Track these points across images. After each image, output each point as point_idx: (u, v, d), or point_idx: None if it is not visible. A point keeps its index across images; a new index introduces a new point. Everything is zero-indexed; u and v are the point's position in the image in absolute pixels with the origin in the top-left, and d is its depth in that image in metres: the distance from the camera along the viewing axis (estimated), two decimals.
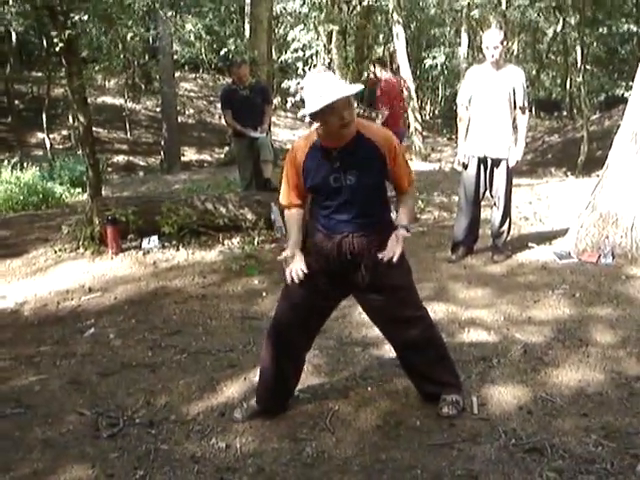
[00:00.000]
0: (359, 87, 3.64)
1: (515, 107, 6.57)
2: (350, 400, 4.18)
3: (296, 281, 3.61)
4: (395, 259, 3.60)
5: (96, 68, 16.36)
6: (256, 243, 7.44)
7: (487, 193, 6.86)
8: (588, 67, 27.25)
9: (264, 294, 6.23)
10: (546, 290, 5.97)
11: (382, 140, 3.64)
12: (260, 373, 4.03)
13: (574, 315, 5.43)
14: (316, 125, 3.58)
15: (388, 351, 4.77)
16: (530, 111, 6.32)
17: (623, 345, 4.83)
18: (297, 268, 3.62)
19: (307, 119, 3.66)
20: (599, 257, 6.62)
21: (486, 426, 3.84)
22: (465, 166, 6.75)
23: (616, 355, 4.68)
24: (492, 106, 6.51)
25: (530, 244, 7.34)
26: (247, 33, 18.02)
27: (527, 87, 6.65)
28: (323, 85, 3.46)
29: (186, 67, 30.29)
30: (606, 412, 3.94)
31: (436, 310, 5.53)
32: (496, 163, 6.62)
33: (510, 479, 3.33)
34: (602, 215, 6.79)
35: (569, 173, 15.40)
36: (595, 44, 29.52)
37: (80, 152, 12.23)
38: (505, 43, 6.46)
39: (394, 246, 3.63)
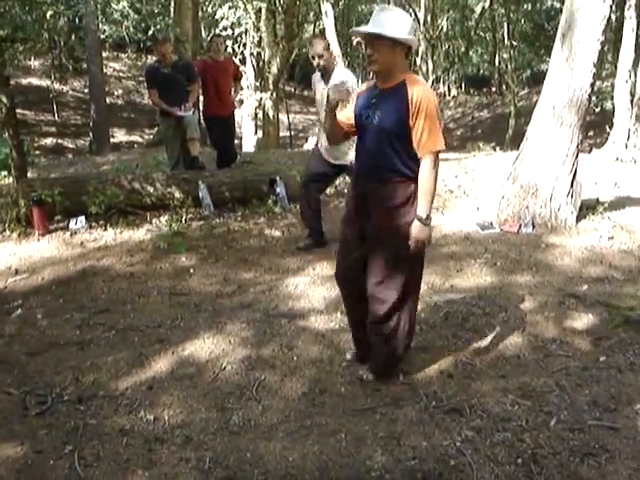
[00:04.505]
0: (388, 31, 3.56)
1: None
2: (276, 370, 4.26)
3: None
4: (412, 250, 3.75)
5: (20, 48, 15.94)
6: (184, 221, 7.41)
7: None
8: (515, 43, 27.78)
9: (191, 271, 6.24)
10: (469, 260, 6.13)
11: (415, 91, 3.56)
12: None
13: (495, 283, 5.60)
14: None
15: (313, 322, 4.89)
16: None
17: (541, 310, 5.02)
18: None
19: None
20: (520, 227, 6.82)
21: (409, 390, 3.97)
22: None
23: (534, 319, 4.87)
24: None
25: (454, 216, 7.50)
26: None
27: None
28: (379, 16, 3.60)
29: (108, 46, 29.74)
30: (523, 373, 4.11)
31: None
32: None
33: (430, 439, 3.46)
34: (522, 186, 6.98)
35: (497, 147, 15.64)
36: (522, 21, 30.07)
37: (4, 135, 11.94)
38: (329, 50, 6.32)
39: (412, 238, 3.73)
